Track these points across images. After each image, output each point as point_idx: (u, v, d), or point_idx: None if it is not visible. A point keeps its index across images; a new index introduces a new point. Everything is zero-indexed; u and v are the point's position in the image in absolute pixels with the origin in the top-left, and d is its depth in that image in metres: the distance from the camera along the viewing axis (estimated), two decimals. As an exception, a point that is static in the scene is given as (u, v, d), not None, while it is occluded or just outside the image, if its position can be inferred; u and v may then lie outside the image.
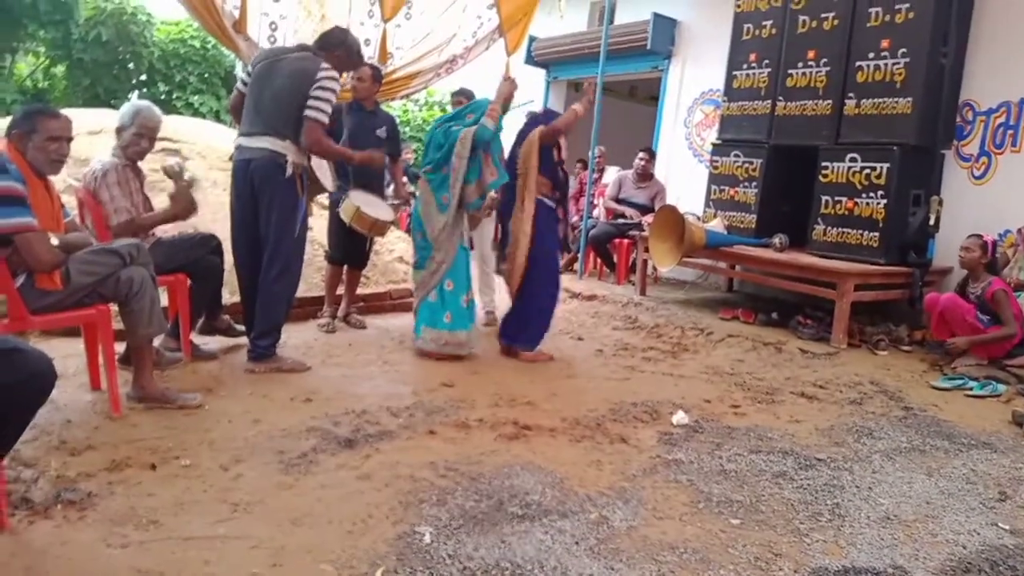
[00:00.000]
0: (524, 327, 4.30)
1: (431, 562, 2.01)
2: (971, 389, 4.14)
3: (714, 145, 6.74)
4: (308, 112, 3.49)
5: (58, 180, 3.19)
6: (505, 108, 4.20)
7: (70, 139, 2.85)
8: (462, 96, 5.09)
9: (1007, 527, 2.48)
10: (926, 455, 3.14)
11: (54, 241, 2.78)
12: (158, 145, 5.22)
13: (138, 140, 3.50)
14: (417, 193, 4.34)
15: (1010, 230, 5.24)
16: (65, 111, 2.99)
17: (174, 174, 3.55)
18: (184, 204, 3.55)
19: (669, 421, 3.33)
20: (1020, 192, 5.25)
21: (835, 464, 2.95)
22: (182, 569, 1.91)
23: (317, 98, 3.49)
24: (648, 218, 6.63)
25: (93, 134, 4.93)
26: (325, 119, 3.54)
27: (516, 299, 4.31)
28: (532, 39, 8.93)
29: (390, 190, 5.53)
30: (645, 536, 2.25)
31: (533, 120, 4.37)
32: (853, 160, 5.51)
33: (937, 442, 3.29)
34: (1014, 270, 4.97)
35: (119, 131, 3.50)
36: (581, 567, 2.03)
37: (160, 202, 4.43)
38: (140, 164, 3.65)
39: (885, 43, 5.36)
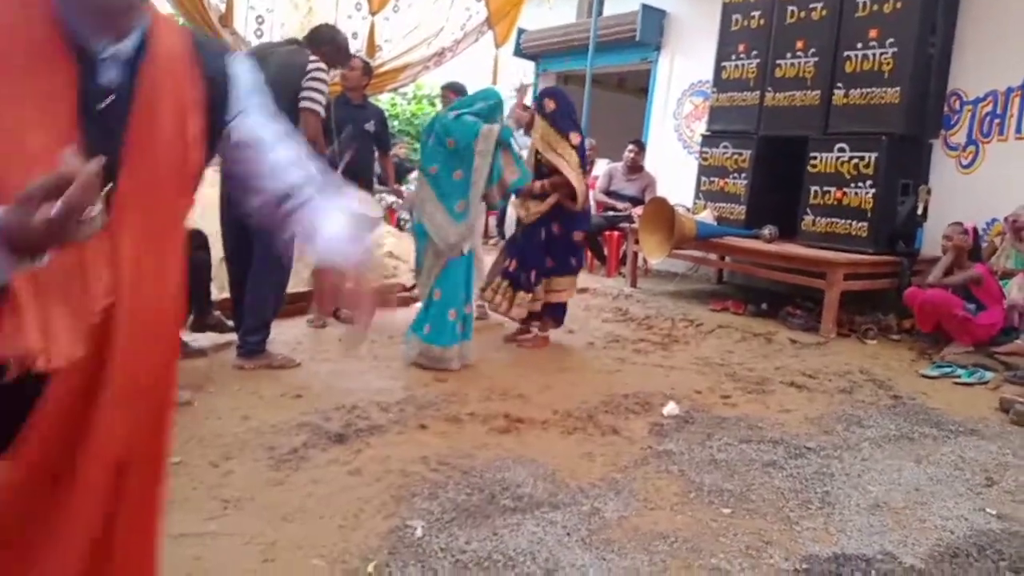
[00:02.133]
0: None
1: (423, 555, 2.01)
2: (959, 377, 4.17)
3: (703, 136, 6.75)
4: (305, 104, 3.50)
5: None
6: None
7: None
8: (451, 90, 5.07)
9: (994, 512, 2.51)
10: (915, 442, 3.16)
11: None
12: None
13: None
14: (413, 189, 4.19)
15: (997, 219, 5.27)
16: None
17: None
18: None
19: (660, 412, 3.33)
20: (1007, 181, 5.28)
21: (825, 452, 2.97)
22: (174, 566, 1.90)
23: (310, 89, 3.51)
24: (638, 210, 6.64)
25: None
26: (321, 110, 3.57)
27: None
28: (521, 31, 8.90)
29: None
30: (637, 526, 2.26)
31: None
32: (842, 150, 5.53)
33: (926, 429, 3.32)
34: (1001, 258, 5.00)
35: None
36: (573, 558, 2.04)
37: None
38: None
39: (873, 33, 5.37)
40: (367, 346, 4.21)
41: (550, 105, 4.31)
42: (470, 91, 5.14)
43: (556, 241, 4.30)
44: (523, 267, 4.30)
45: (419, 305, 5.22)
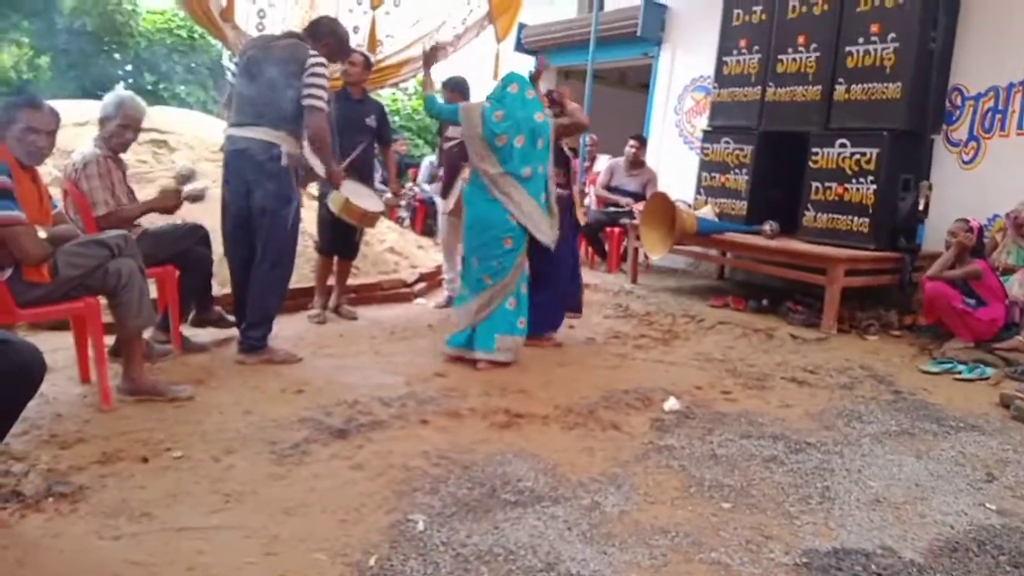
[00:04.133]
0: (550, 314, 4.34)
1: (424, 549, 2.01)
2: (960, 373, 4.17)
3: (704, 132, 6.73)
4: (308, 101, 3.47)
5: (44, 171, 3.17)
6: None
7: (50, 132, 2.81)
8: (449, 88, 5.07)
9: (994, 507, 2.51)
10: (915, 438, 3.16)
11: (42, 234, 2.76)
12: (146, 136, 5.20)
13: (123, 132, 3.47)
14: (497, 194, 3.80)
15: (999, 214, 5.27)
16: (50, 103, 2.96)
17: (180, 178, 3.59)
18: (166, 203, 3.59)
19: (661, 407, 3.34)
20: (1008, 177, 5.27)
21: (825, 448, 2.97)
22: (175, 560, 1.91)
23: (312, 85, 3.47)
24: (639, 206, 6.63)
25: (79, 125, 4.88)
26: (325, 106, 3.54)
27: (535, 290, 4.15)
28: (522, 26, 8.88)
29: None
30: (637, 521, 2.26)
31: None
32: (843, 146, 5.52)
33: (926, 425, 3.32)
34: (1002, 254, 5.00)
35: (103, 122, 3.47)
36: (574, 552, 2.05)
37: (148, 194, 4.40)
38: (123, 155, 3.62)
39: (875, 28, 5.36)
40: (368, 342, 4.22)
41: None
42: (471, 88, 5.15)
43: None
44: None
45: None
